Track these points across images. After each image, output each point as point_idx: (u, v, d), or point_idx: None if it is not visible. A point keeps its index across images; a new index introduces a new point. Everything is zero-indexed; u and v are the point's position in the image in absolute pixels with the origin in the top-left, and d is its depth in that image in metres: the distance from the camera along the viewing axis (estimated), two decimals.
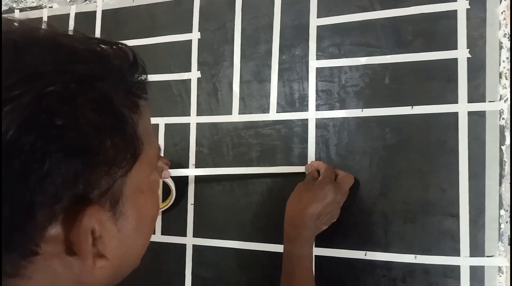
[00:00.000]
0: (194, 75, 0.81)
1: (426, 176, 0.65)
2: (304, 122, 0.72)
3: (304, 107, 0.73)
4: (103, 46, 0.32)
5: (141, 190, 0.33)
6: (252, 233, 0.75)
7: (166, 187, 0.79)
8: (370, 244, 0.67)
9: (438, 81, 0.66)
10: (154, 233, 0.81)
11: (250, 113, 0.76)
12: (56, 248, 0.28)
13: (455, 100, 0.64)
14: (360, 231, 0.68)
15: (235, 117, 0.77)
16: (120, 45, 0.32)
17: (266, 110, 0.75)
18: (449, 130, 0.64)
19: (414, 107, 0.66)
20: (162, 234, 0.82)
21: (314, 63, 0.73)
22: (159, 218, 0.82)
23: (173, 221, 0.81)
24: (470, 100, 0.64)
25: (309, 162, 0.71)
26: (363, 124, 0.69)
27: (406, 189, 0.66)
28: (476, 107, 0.63)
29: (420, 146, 0.65)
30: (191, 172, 0.79)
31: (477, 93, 0.64)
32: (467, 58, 0.65)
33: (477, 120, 0.63)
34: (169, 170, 0.76)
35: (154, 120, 0.83)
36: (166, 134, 0.82)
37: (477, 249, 0.62)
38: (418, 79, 0.67)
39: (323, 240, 0.69)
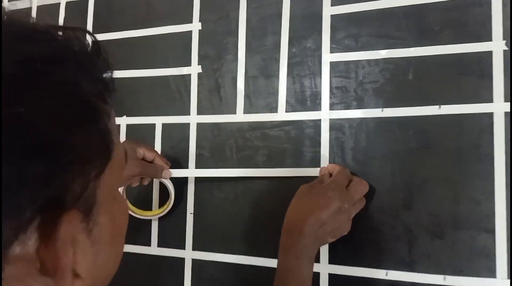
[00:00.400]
0: (194, 69, 0.74)
1: (457, 185, 0.57)
2: (317, 123, 0.65)
3: (316, 106, 0.65)
4: (62, 31, 0.28)
5: (113, 196, 0.30)
6: (258, 247, 0.68)
7: (163, 191, 0.72)
8: (392, 262, 0.60)
9: (469, 77, 0.58)
10: (149, 245, 0.75)
11: (256, 113, 0.69)
12: (24, 269, 0.23)
13: (489, 99, 0.57)
14: (381, 247, 0.60)
15: (240, 116, 0.70)
16: (82, 30, 0.29)
17: (274, 109, 0.68)
18: (482, 133, 0.57)
19: (442, 106, 0.59)
20: (158, 246, 0.75)
21: (327, 57, 0.65)
22: (155, 227, 0.75)
23: (171, 232, 0.74)
24: (506, 99, 0.56)
25: (322, 166, 0.64)
26: (384, 125, 0.61)
27: (433, 200, 0.58)
28: None
29: (449, 151, 0.58)
30: (192, 173, 0.72)
31: None
32: (503, 51, 0.57)
33: None
34: (170, 170, 0.69)
35: (150, 120, 0.76)
36: (164, 135, 0.76)
37: None
38: (446, 75, 0.59)
39: (337, 256, 0.62)
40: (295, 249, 0.54)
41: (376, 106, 0.62)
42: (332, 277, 0.62)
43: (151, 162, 0.69)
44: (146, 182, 0.71)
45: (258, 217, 0.68)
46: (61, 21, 0.85)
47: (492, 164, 0.56)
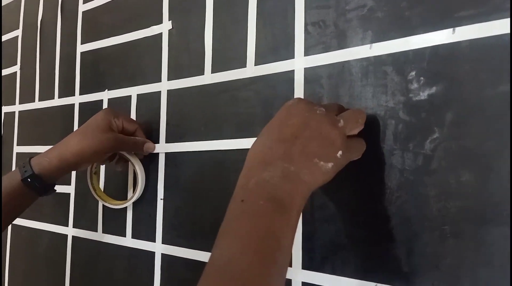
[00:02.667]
0: (165, 27, 0.64)
1: (483, 154, 0.37)
2: (289, 76, 0.50)
3: (289, 53, 0.50)
4: None
5: None
6: None
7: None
8: (383, 271, 0.42)
9: None
10: (124, 235, 0.67)
11: (225, 70, 0.56)
12: None
13: None
14: (368, 249, 0.43)
15: (208, 77, 0.58)
16: None
17: (243, 63, 0.55)
18: None
19: (456, 29, 0.39)
20: (133, 237, 0.67)
21: None
22: (129, 216, 0.67)
23: (143, 221, 0.65)
24: None
25: None
26: (373, 69, 0.44)
27: (445, 179, 0.39)
28: None
29: (471, 100, 0.38)
30: (163, 148, 0.63)
31: None
32: None
33: None
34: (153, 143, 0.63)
35: (126, 92, 0.69)
36: (139, 107, 0.68)
37: None
38: None
39: (314, 259, 0.46)
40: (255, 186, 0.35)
41: (362, 41, 0.45)
42: None
43: (132, 135, 0.63)
44: (119, 167, 0.64)
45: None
46: None
47: None
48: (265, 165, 0.36)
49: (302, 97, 0.49)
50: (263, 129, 0.40)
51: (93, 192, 0.68)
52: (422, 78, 0.41)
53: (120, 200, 0.68)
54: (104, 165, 0.71)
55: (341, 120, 0.38)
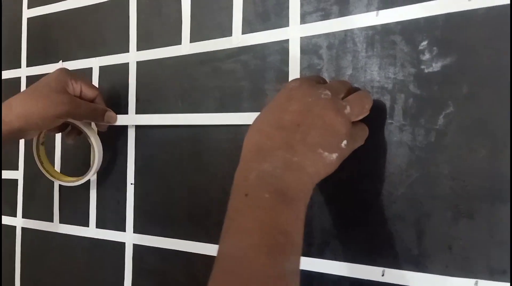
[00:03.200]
0: None
1: (499, 130, 0.36)
2: (283, 46, 0.46)
3: (282, 20, 0.46)
4: None
5: None
6: (210, 229, 0.51)
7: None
8: (390, 256, 0.40)
9: None
10: (87, 225, 0.61)
11: (206, 39, 0.51)
12: None
13: None
14: (374, 230, 0.41)
15: (186, 47, 0.53)
16: None
17: (227, 31, 0.50)
18: None
19: None
20: (97, 226, 0.60)
21: None
22: (93, 203, 0.60)
23: (110, 209, 0.59)
24: None
25: None
26: (380, 38, 0.41)
27: (458, 156, 0.37)
28: None
29: (487, 72, 0.36)
30: (132, 120, 0.56)
31: None
32: None
33: None
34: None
35: (86, 63, 0.62)
36: (101, 81, 0.61)
37: None
38: None
39: (313, 245, 0.43)
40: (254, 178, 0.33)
41: (368, 8, 0.42)
42: (304, 275, 0.44)
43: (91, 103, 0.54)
44: (70, 139, 0.56)
45: (213, 191, 0.50)
46: None
47: None
48: (265, 156, 0.33)
49: (298, 70, 0.45)
50: (259, 115, 0.37)
51: (39, 166, 0.59)
52: (435, 48, 0.38)
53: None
54: (58, 135, 0.63)
55: (348, 106, 0.35)
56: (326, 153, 0.33)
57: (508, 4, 0.35)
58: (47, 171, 0.60)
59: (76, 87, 0.52)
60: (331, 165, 0.34)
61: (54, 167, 0.62)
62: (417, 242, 0.39)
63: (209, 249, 0.50)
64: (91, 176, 0.57)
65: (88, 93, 0.53)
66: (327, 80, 0.42)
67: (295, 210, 0.32)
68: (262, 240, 0.30)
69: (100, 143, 0.56)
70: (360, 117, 0.37)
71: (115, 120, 0.55)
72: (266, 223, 0.30)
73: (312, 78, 0.39)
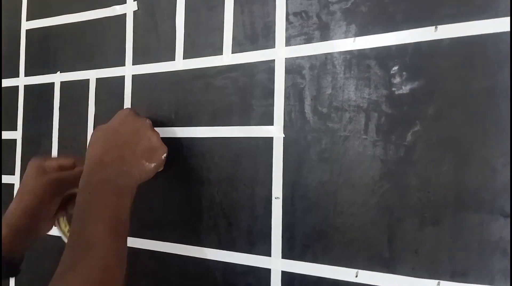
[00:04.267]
0: (130, 7, 0.61)
1: (461, 145, 0.40)
2: (270, 65, 0.50)
3: (269, 42, 0.50)
4: None
5: None
6: (202, 235, 0.54)
7: None
8: (364, 258, 0.44)
9: None
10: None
11: (199, 57, 0.55)
12: None
13: (505, 12, 0.39)
14: (350, 236, 0.45)
15: (179, 63, 0.57)
16: None
17: (218, 50, 0.54)
18: (503, 62, 0.39)
19: (439, 27, 0.41)
20: None
21: None
22: None
23: None
24: None
25: (275, 124, 0.49)
26: (357, 62, 0.45)
27: (425, 169, 0.41)
28: None
29: (451, 95, 0.41)
30: None
31: None
32: None
33: None
34: None
35: (84, 75, 0.65)
36: (98, 92, 0.64)
37: None
38: None
39: (294, 248, 0.48)
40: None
41: (346, 35, 0.46)
42: (286, 276, 0.48)
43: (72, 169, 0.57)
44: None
45: (204, 197, 0.54)
46: None
47: None
48: (105, 166, 0.46)
49: (283, 88, 0.49)
50: (98, 133, 0.50)
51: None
52: (404, 72, 0.43)
53: None
54: None
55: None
56: (147, 163, 0.48)
57: (470, 35, 0.40)
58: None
59: (51, 163, 0.54)
60: (150, 172, 0.49)
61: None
62: (387, 246, 0.43)
63: (201, 252, 0.54)
64: None
65: (65, 162, 0.56)
66: None
67: (125, 202, 0.45)
68: (105, 224, 0.41)
69: None
70: None
71: None
72: (105, 212, 0.42)
73: (135, 110, 0.53)
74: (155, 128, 0.51)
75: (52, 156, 0.57)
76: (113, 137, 0.48)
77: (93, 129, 0.54)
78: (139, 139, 0.49)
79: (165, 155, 0.50)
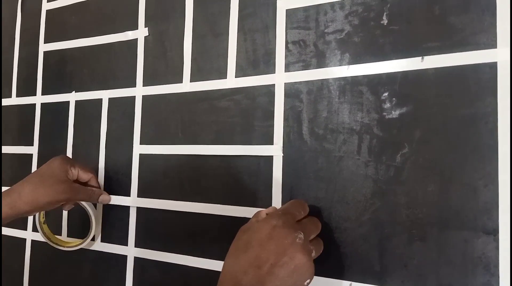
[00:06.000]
0: (141, 33, 0.65)
1: (446, 167, 0.43)
2: (270, 89, 0.53)
3: (270, 67, 0.54)
4: None
5: None
6: (206, 246, 0.57)
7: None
8: (357, 271, 0.46)
9: (464, 16, 0.43)
10: (93, 240, 0.67)
11: (204, 80, 0.58)
12: None
13: (491, 44, 0.42)
14: (344, 250, 0.47)
15: (186, 86, 0.60)
16: None
17: (223, 74, 0.57)
18: (483, 91, 0.42)
19: (425, 57, 0.44)
20: (102, 241, 0.67)
21: (283, 3, 0.53)
22: (99, 219, 0.67)
23: (115, 225, 0.65)
24: None
25: (275, 144, 0.52)
26: (350, 88, 0.48)
27: (413, 188, 0.44)
28: None
29: (436, 121, 0.43)
30: (137, 149, 0.64)
31: None
32: None
33: None
34: (109, 195, 0.64)
35: (97, 94, 0.68)
36: (110, 111, 0.67)
37: None
38: (432, 15, 0.45)
39: None
40: None
41: (341, 63, 0.49)
42: None
43: (86, 183, 0.63)
44: (67, 208, 0.63)
45: (205, 209, 0.57)
46: None
47: (495, 137, 0.41)
48: None
49: (283, 110, 0.52)
50: (239, 243, 0.42)
51: (48, 242, 0.68)
52: (394, 98, 0.46)
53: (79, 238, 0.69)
54: None
55: (313, 250, 0.42)
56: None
57: (453, 66, 0.43)
58: (56, 244, 0.68)
59: (74, 172, 0.60)
60: None
61: (56, 236, 0.70)
62: (378, 260, 0.45)
63: (204, 263, 0.56)
64: (90, 239, 0.65)
65: (84, 176, 0.62)
66: (303, 209, 0.46)
67: None
68: None
69: (95, 210, 0.64)
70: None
71: (109, 200, 0.64)
72: None
73: (292, 214, 0.44)
74: None
75: (76, 163, 0.60)
76: (256, 254, 0.40)
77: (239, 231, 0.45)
78: (285, 261, 0.39)
79: (308, 281, 0.41)
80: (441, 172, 0.43)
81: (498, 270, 0.40)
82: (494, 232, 0.40)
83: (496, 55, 0.41)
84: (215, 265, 0.56)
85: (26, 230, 0.76)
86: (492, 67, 0.41)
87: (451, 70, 0.43)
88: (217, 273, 0.55)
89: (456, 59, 0.43)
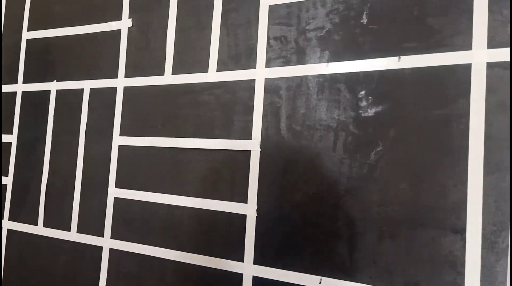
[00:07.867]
0: (124, 24, 0.64)
1: (418, 166, 0.43)
2: (251, 84, 0.53)
3: (251, 62, 0.54)
4: None
5: None
6: (182, 239, 0.57)
7: None
8: (328, 266, 0.47)
9: (442, 18, 0.44)
10: (69, 230, 0.66)
11: (186, 73, 0.58)
12: None
13: (466, 46, 0.42)
14: (317, 246, 0.47)
15: (168, 78, 0.60)
16: None
17: (204, 67, 0.57)
18: (457, 93, 0.42)
19: (402, 57, 0.45)
20: (78, 231, 0.66)
21: None
22: (76, 209, 0.66)
23: (91, 215, 0.65)
24: (491, 45, 0.41)
25: (253, 138, 0.52)
26: (329, 85, 0.48)
27: (385, 186, 0.44)
28: (500, 55, 0.41)
29: (410, 120, 0.44)
30: (116, 141, 0.62)
31: (503, 33, 0.41)
32: None
33: (501, 75, 0.41)
34: None
35: (78, 84, 0.68)
36: (91, 100, 0.67)
37: (491, 283, 0.40)
38: (411, 15, 0.45)
39: (265, 255, 0.50)
40: None
41: (320, 60, 0.49)
42: (257, 280, 0.50)
43: None
44: None
45: (182, 202, 0.57)
46: None
47: (466, 138, 0.41)
48: None
49: (262, 105, 0.52)
50: None
51: None
52: (370, 97, 0.46)
53: None
54: None
55: None
56: None
57: (429, 66, 0.43)
58: None
59: None
60: None
61: None
62: (349, 257, 0.46)
63: (180, 256, 0.56)
64: None
65: None
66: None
67: None
68: None
69: None
70: None
71: None
72: None
73: None
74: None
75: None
76: None
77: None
78: None
79: None
80: (413, 171, 0.43)
81: (464, 268, 0.40)
82: (462, 231, 0.41)
83: (471, 56, 0.42)
84: (191, 258, 0.55)
85: (2, 219, 0.74)
86: (466, 69, 0.42)
87: (427, 71, 0.44)
88: (193, 266, 0.55)
89: (432, 59, 0.43)
